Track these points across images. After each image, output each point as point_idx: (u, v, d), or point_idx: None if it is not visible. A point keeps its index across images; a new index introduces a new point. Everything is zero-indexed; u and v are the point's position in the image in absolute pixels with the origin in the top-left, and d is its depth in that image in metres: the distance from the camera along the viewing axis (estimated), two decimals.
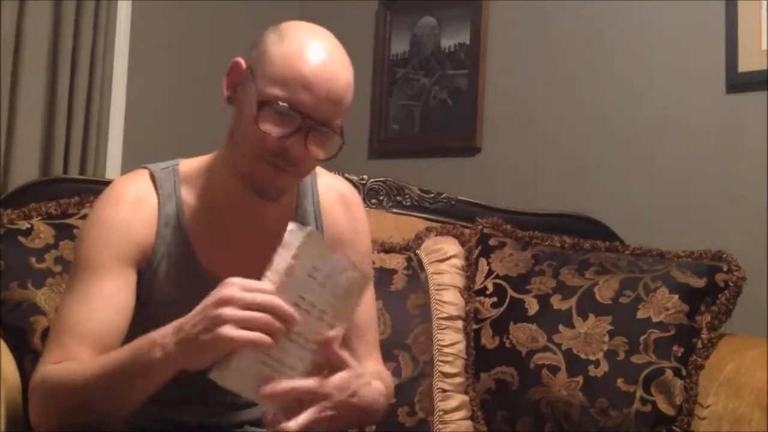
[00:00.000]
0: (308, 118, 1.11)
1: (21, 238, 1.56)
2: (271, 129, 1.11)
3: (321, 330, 1.04)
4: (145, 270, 1.22)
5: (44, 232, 1.59)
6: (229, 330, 0.95)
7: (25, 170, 2.07)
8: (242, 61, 1.18)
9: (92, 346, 1.14)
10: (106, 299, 1.16)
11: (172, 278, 1.23)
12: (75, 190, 1.70)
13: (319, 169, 1.35)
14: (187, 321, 1.00)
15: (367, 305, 1.36)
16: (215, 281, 1.23)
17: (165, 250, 1.23)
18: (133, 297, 1.20)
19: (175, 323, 1.01)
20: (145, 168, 1.28)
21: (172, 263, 1.23)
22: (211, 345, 0.96)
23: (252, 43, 1.20)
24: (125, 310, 1.18)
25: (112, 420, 1.11)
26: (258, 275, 1.26)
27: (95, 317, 1.15)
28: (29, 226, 1.59)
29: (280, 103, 1.10)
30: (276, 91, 1.10)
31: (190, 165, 1.29)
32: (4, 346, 1.45)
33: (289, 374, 1.02)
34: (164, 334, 1.01)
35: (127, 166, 2.29)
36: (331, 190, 1.35)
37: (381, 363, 1.38)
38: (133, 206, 1.22)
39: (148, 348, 1.02)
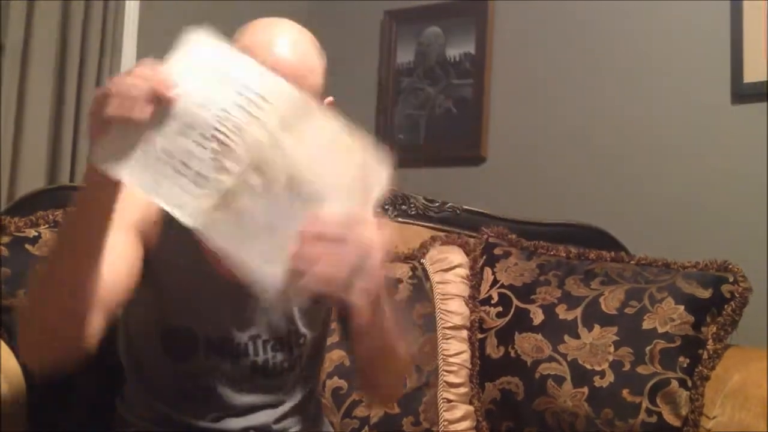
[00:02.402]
0: None
1: (28, 246, 1.56)
2: None
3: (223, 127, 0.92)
4: (151, 259, 1.22)
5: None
6: (108, 109, 0.88)
7: (32, 178, 2.07)
8: None
9: None
10: (109, 248, 1.10)
11: (178, 268, 1.24)
12: None
13: None
14: None
15: None
16: (219, 270, 1.23)
17: (170, 247, 1.23)
18: (137, 257, 1.19)
19: None
20: None
21: (180, 254, 1.23)
22: (95, 129, 0.90)
23: None
24: (128, 262, 1.16)
25: (76, 316, 1.03)
26: None
27: None
28: (36, 233, 1.59)
29: None
30: None
31: None
32: (9, 352, 1.45)
33: (185, 175, 0.92)
34: None
35: None
36: None
37: None
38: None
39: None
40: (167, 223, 1.24)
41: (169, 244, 1.24)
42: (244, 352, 1.28)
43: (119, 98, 0.88)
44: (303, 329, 1.33)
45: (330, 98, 1.23)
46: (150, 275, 1.23)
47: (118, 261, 1.13)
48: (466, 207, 2.12)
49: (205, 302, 1.26)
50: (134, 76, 0.90)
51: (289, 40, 1.17)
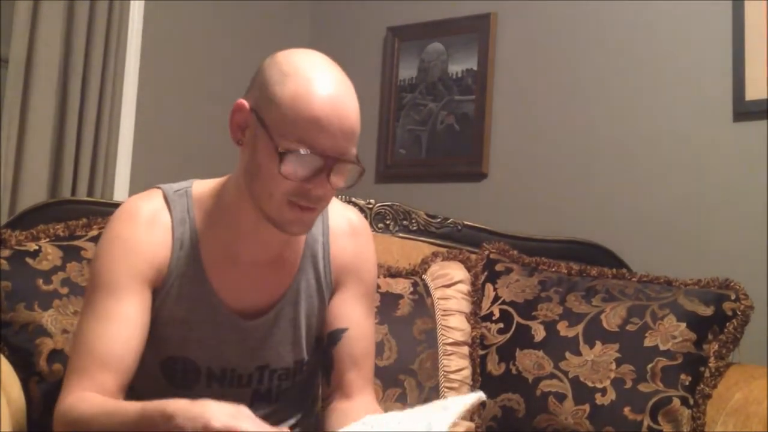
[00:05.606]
0: (329, 158, 1.11)
1: (28, 260, 1.56)
2: (295, 174, 1.11)
3: None
4: (158, 290, 1.23)
5: (52, 254, 1.59)
6: None
7: (33, 192, 2.08)
8: (245, 103, 1.16)
9: (112, 370, 1.15)
10: (124, 321, 1.17)
11: (183, 299, 1.24)
12: (83, 212, 1.71)
13: None
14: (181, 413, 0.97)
15: (367, 336, 1.34)
16: (225, 303, 1.24)
17: (178, 272, 1.23)
18: (149, 317, 1.21)
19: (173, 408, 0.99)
20: (158, 188, 1.28)
21: (185, 284, 1.24)
22: None
23: (251, 80, 1.18)
24: (142, 331, 1.19)
25: None
26: (265, 298, 1.27)
27: (113, 339, 1.16)
28: (37, 247, 1.59)
29: (302, 152, 1.09)
30: (294, 140, 1.10)
31: (203, 187, 1.28)
32: (9, 367, 1.45)
33: None
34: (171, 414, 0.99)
35: (135, 188, 2.29)
36: (342, 219, 1.35)
37: (374, 400, 1.34)
38: (148, 226, 1.22)
39: (159, 420, 1.00)
40: (176, 257, 1.23)
41: (176, 278, 1.23)
42: (248, 381, 1.28)
43: None
44: (307, 356, 1.33)
45: None
46: (156, 305, 1.23)
47: (133, 332, 1.17)
48: (468, 223, 2.12)
49: (208, 334, 1.25)
50: None
51: (344, 93, 1.15)
